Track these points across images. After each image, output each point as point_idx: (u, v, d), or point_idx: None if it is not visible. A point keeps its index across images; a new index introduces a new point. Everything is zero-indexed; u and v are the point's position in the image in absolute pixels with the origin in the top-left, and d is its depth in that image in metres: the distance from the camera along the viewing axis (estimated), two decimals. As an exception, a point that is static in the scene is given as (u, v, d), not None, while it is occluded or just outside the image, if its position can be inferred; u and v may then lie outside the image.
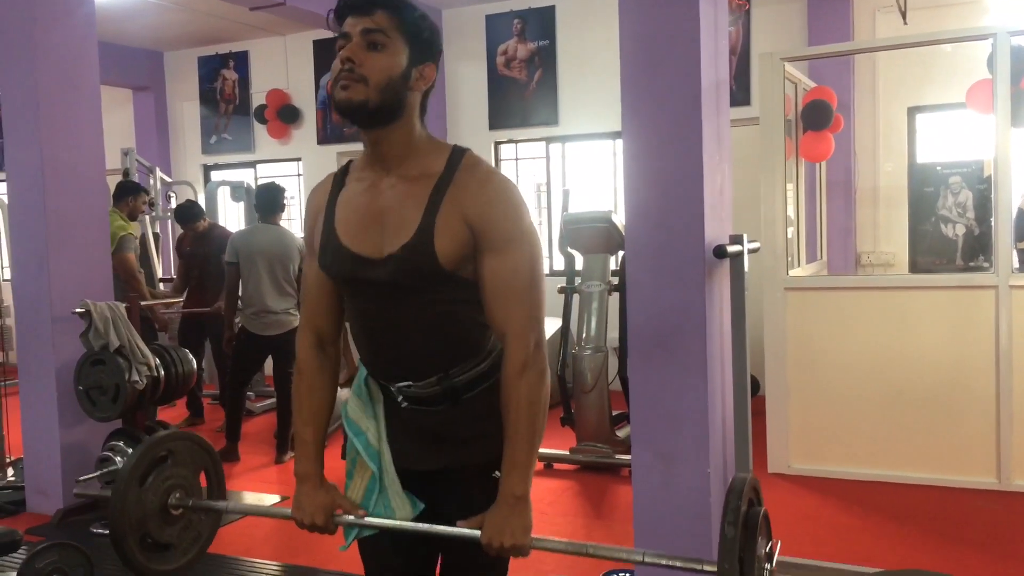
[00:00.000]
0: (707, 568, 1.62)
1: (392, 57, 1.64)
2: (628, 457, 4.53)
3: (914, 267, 4.91)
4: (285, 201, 5.57)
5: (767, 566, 1.67)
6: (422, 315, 1.70)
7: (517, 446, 1.67)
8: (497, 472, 1.71)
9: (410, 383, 1.75)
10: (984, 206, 4.69)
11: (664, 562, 1.69)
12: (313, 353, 1.85)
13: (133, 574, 1.97)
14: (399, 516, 1.77)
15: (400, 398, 1.78)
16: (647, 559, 1.70)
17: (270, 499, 4.67)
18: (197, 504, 2.03)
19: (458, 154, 1.71)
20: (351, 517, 1.78)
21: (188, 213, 6.38)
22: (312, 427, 1.85)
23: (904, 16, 5.82)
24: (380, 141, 1.69)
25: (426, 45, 1.69)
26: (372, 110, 1.62)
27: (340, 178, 1.80)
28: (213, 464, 2.12)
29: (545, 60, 7.51)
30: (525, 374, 1.66)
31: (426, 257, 1.64)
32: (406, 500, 1.78)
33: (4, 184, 4.98)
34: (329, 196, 1.78)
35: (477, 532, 1.67)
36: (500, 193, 1.67)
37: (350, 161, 1.83)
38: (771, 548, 1.72)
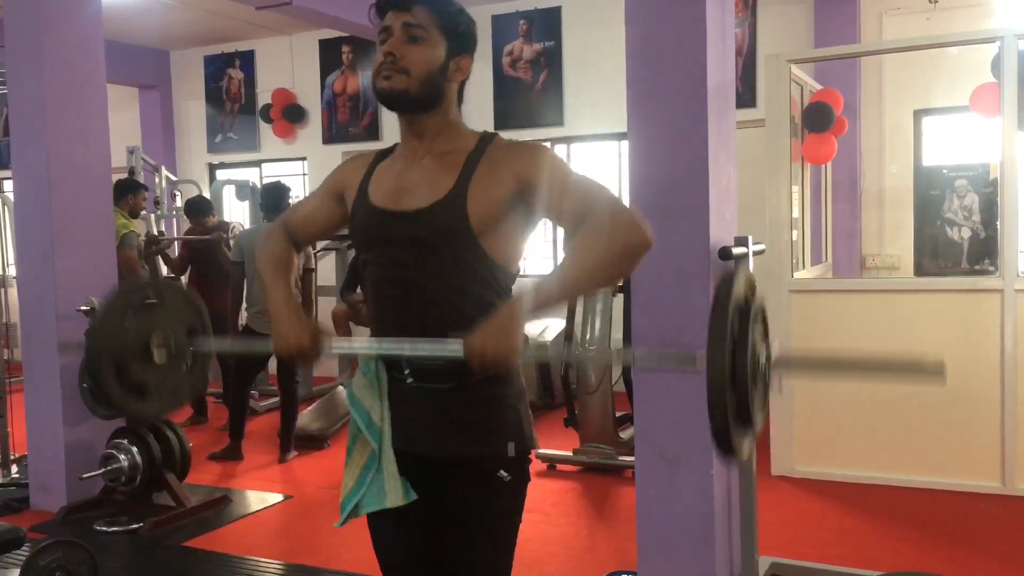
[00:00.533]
0: (700, 360, 1.49)
1: (431, 50, 1.72)
2: (631, 459, 4.53)
3: (919, 270, 4.91)
4: (290, 200, 5.57)
5: (763, 355, 1.57)
6: (440, 281, 1.71)
7: (559, 266, 1.62)
8: (503, 472, 1.71)
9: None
10: (990, 209, 4.68)
11: (656, 359, 1.61)
12: (282, 230, 1.95)
13: (105, 402, 1.89)
14: (390, 501, 1.76)
15: (407, 372, 1.76)
16: (638, 358, 1.64)
17: (273, 498, 4.67)
18: (178, 343, 1.94)
19: (489, 136, 1.80)
20: (332, 342, 1.77)
21: (197, 207, 6.39)
22: (281, 272, 1.88)
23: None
24: (418, 123, 1.76)
25: (463, 38, 1.76)
26: (412, 99, 1.71)
27: (382, 155, 1.88)
28: (201, 321, 2.03)
29: (551, 61, 7.51)
30: (616, 225, 1.59)
31: (456, 215, 1.68)
32: (399, 486, 1.76)
33: (10, 183, 4.98)
34: (368, 166, 1.85)
35: (460, 346, 1.57)
36: (544, 152, 1.74)
37: (395, 144, 1.88)
38: (769, 344, 1.62)
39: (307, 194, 2.00)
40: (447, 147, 1.76)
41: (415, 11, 1.71)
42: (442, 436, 1.76)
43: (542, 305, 1.59)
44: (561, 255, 6.03)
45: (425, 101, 1.72)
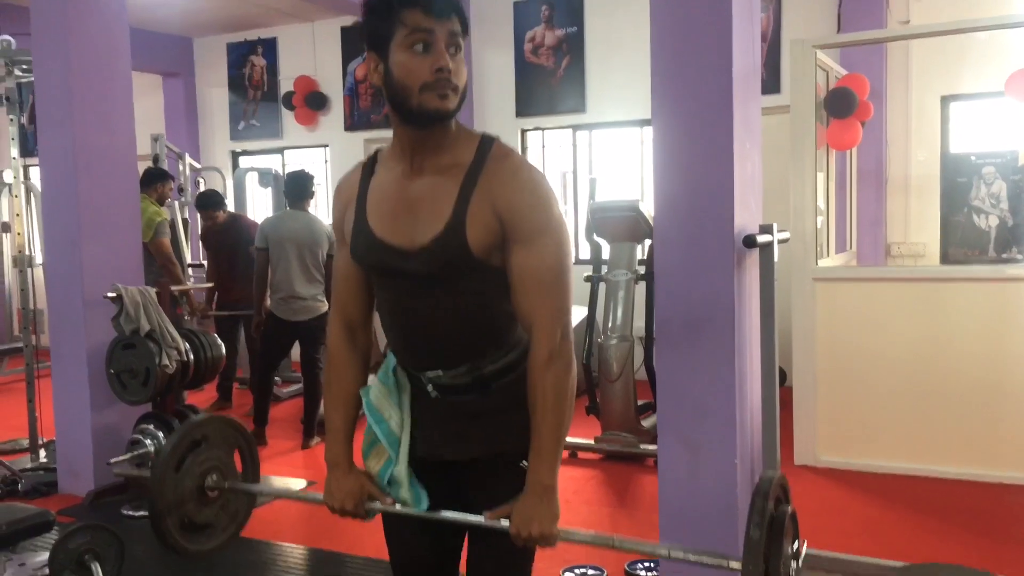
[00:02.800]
0: (733, 565, 1.61)
1: (463, 62, 1.65)
2: (653, 447, 4.52)
3: (945, 258, 4.85)
4: (314, 189, 5.60)
5: (793, 565, 1.65)
6: (452, 304, 1.71)
7: (544, 436, 1.67)
8: (524, 462, 1.71)
9: (440, 372, 1.76)
10: (1018, 196, 4.62)
11: (691, 558, 1.68)
12: (344, 340, 1.87)
13: (175, 555, 2.02)
14: (403, 510, 1.80)
15: (430, 387, 1.79)
16: (672, 554, 1.70)
17: (297, 483, 4.71)
18: (233, 486, 2.08)
19: (487, 143, 1.71)
20: (380, 504, 1.81)
21: (207, 201, 6.42)
22: (342, 413, 1.86)
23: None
24: (428, 135, 1.67)
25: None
26: (452, 114, 1.64)
27: (369, 167, 1.80)
28: (247, 444, 2.16)
29: (573, 47, 7.47)
30: (551, 365, 1.66)
31: (458, 248, 1.65)
32: (414, 496, 1.79)
33: (37, 170, 5.03)
34: (359, 186, 1.79)
35: (505, 523, 1.68)
36: (528, 183, 1.67)
37: (378, 150, 1.82)
38: (798, 547, 1.71)
39: (334, 242, 1.99)
40: (445, 160, 1.69)
41: (453, 20, 1.61)
42: (465, 440, 1.78)
43: (556, 467, 1.70)
44: (585, 243, 6.01)
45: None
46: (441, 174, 1.68)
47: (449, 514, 1.77)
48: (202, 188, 8.07)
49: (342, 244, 1.83)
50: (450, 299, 1.70)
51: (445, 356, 1.74)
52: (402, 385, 1.83)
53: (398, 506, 1.80)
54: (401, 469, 1.79)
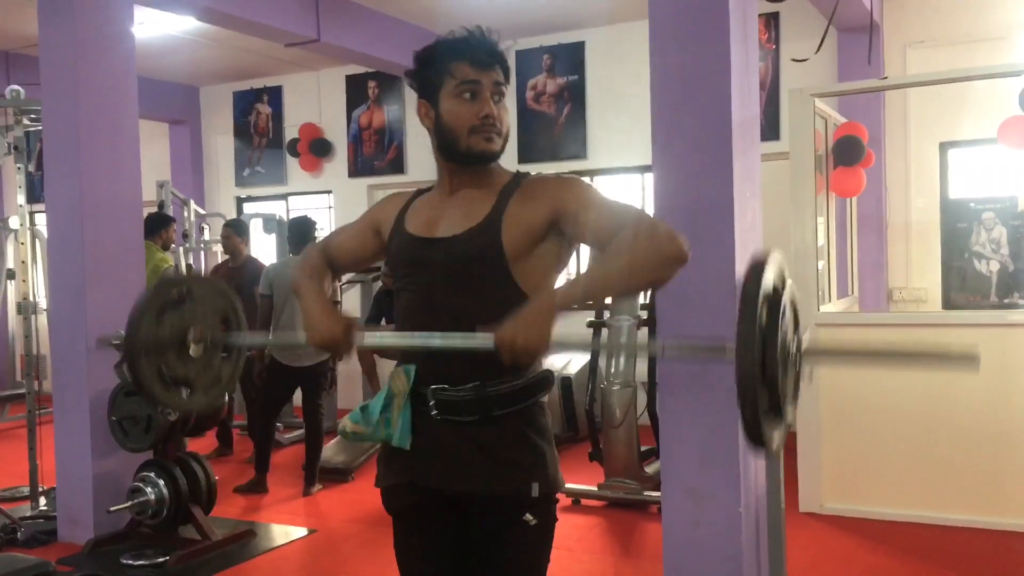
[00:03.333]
0: (729, 351, 1.48)
1: (506, 109, 1.82)
2: (657, 494, 4.49)
3: (948, 303, 4.86)
4: (316, 235, 5.63)
5: (792, 344, 1.55)
6: (471, 309, 1.71)
7: (595, 264, 1.70)
8: (529, 516, 1.70)
9: (446, 386, 1.75)
10: (1019, 242, 4.64)
11: (685, 349, 1.72)
12: (320, 252, 2.00)
13: (149, 400, 1.91)
14: (397, 440, 1.76)
15: (432, 403, 1.76)
16: (667, 348, 1.72)
17: (298, 532, 4.67)
18: (215, 338, 1.98)
19: (524, 173, 1.87)
20: (364, 335, 1.79)
21: (240, 226, 6.40)
22: (314, 278, 1.92)
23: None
24: (471, 173, 1.82)
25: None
26: (497, 156, 1.81)
27: (420, 192, 1.94)
28: (233, 311, 2.06)
29: (574, 95, 7.56)
30: (654, 234, 1.60)
31: (489, 242, 1.71)
32: (403, 426, 1.76)
33: (43, 216, 5.07)
34: (407, 201, 1.91)
35: (491, 339, 1.58)
36: (573, 178, 1.82)
37: (419, 190, 1.94)
38: (799, 328, 1.61)
39: (337, 227, 2.03)
40: (484, 182, 1.81)
41: (497, 70, 1.79)
42: (466, 470, 1.76)
43: (573, 298, 1.61)
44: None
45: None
46: (479, 190, 1.81)
47: (436, 336, 1.69)
48: (207, 235, 8.12)
49: (364, 227, 1.94)
50: (469, 301, 1.72)
51: (454, 366, 1.73)
52: (398, 405, 1.80)
53: (388, 336, 1.80)
54: (403, 401, 1.76)
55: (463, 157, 1.77)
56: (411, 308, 1.80)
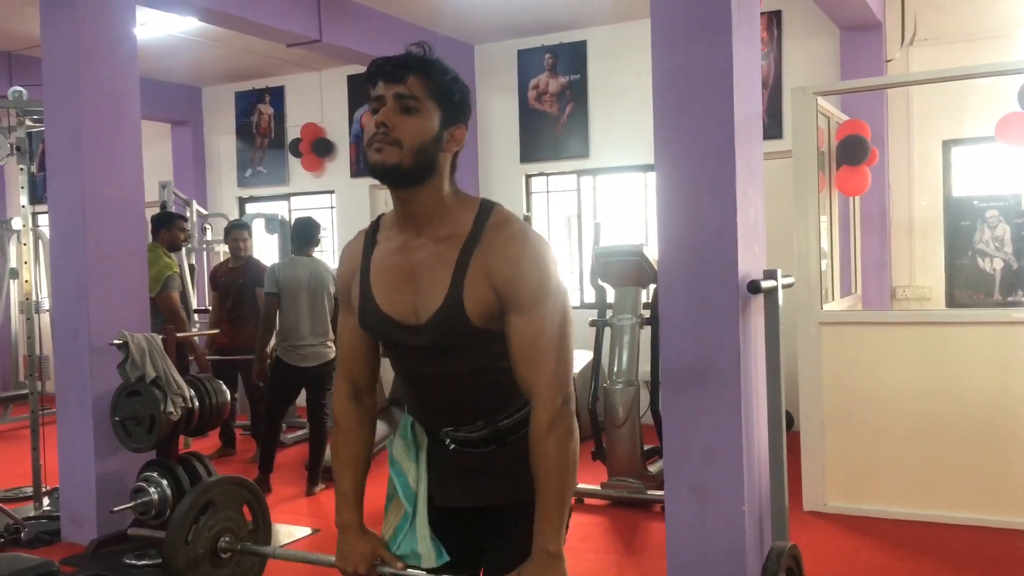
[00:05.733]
0: None
1: (424, 121, 1.67)
2: (660, 493, 4.49)
3: (951, 301, 4.85)
4: (320, 236, 5.65)
5: None
6: (462, 370, 1.75)
7: (548, 503, 1.68)
8: None
9: (456, 428, 1.80)
10: (1023, 239, 4.62)
11: None
12: (350, 404, 1.89)
13: None
14: (424, 564, 1.80)
15: (448, 441, 1.82)
16: None
17: (301, 531, 4.67)
18: (245, 548, 2.09)
19: (486, 210, 1.73)
20: (390, 569, 1.81)
21: (241, 223, 6.39)
22: (351, 477, 1.87)
23: None
24: (411, 200, 1.71)
25: (457, 108, 1.71)
26: (405, 172, 1.66)
27: (371, 236, 1.83)
28: (256, 500, 2.20)
29: (576, 94, 7.56)
30: (552, 431, 1.67)
31: (459, 321, 1.68)
32: (432, 549, 1.80)
33: (45, 217, 5.08)
34: (363, 255, 1.81)
35: None
36: (525, 253, 1.68)
37: (380, 216, 1.87)
38: None
39: (337, 273, 1.99)
40: (443, 230, 1.72)
41: (409, 81, 1.66)
42: (482, 489, 1.81)
43: (562, 533, 1.70)
44: (590, 288, 6.01)
45: (418, 173, 1.67)
46: (439, 243, 1.71)
47: None
48: (209, 235, 8.13)
49: (347, 309, 1.85)
50: (459, 365, 1.74)
51: (460, 416, 1.79)
52: (420, 442, 1.86)
53: (411, 571, 1.80)
54: (419, 522, 1.81)
55: (373, 175, 1.70)
56: (402, 373, 1.84)
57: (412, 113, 1.66)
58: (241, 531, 2.13)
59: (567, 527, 1.72)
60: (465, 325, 1.68)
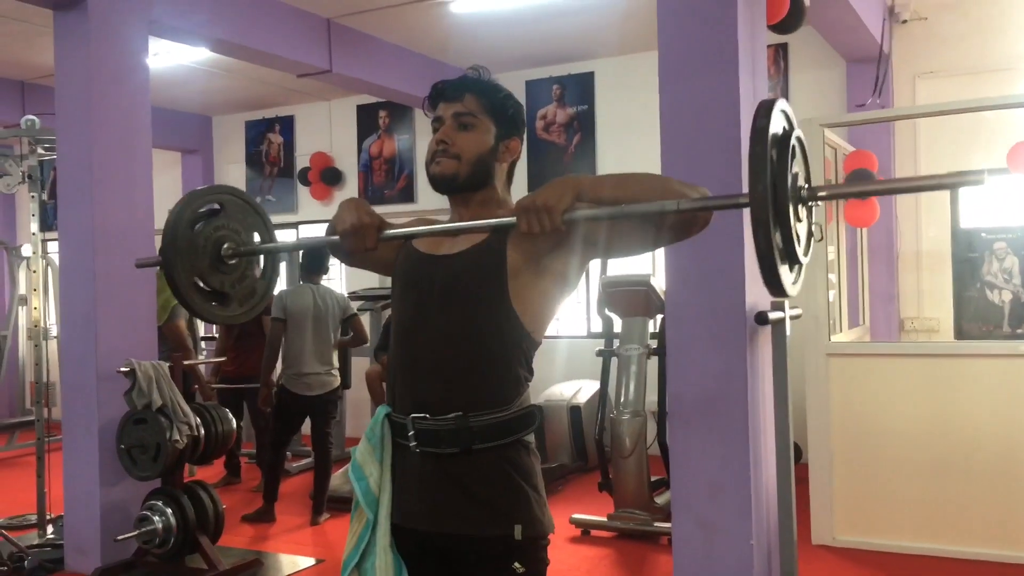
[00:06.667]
0: (741, 201, 1.49)
1: (481, 135, 1.81)
2: (667, 525, 4.45)
3: (960, 334, 4.83)
4: (329, 264, 5.66)
5: (802, 186, 1.53)
6: (464, 330, 1.73)
7: (622, 177, 1.68)
8: (518, 564, 1.68)
9: (427, 415, 1.72)
10: (1031, 272, 4.61)
11: (699, 202, 1.57)
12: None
13: (190, 312, 1.94)
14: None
15: (412, 433, 1.74)
16: (682, 204, 1.58)
17: (305, 561, 4.64)
18: (248, 248, 1.99)
19: None
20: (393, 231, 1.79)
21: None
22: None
23: None
24: (467, 203, 1.83)
25: (511, 122, 1.86)
26: (462, 182, 1.80)
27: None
28: (265, 226, 2.05)
29: (584, 124, 7.60)
30: (670, 179, 1.65)
31: (494, 258, 1.73)
32: (391, 561, 1.74)
33: (55, 244, 5.11)
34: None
35: (513, 220, 1.63)
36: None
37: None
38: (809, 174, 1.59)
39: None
40: (493, 211, 1.82)
41: (466, 100, 1.81)
42: (448, 511, 1.72)
43: (596, 190, 1.63)
44: (597, 317, 6.03)
45: (475, 182, 1.80)
46: (486, 216, 1.80)
47: None
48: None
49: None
50: (463, 323, 1.72)
51: (439, 393, 1.72)
52: (385, 445, 1.80)
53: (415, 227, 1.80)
54: (381, 531, 1.75)
55: (433, 186, 1.82)
56: (402, 326, 1.81)
57: (469, 129, 1.80)
58: (247, 246, 2.00)
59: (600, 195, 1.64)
60: (497, 264, 1.72)
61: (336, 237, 1.79)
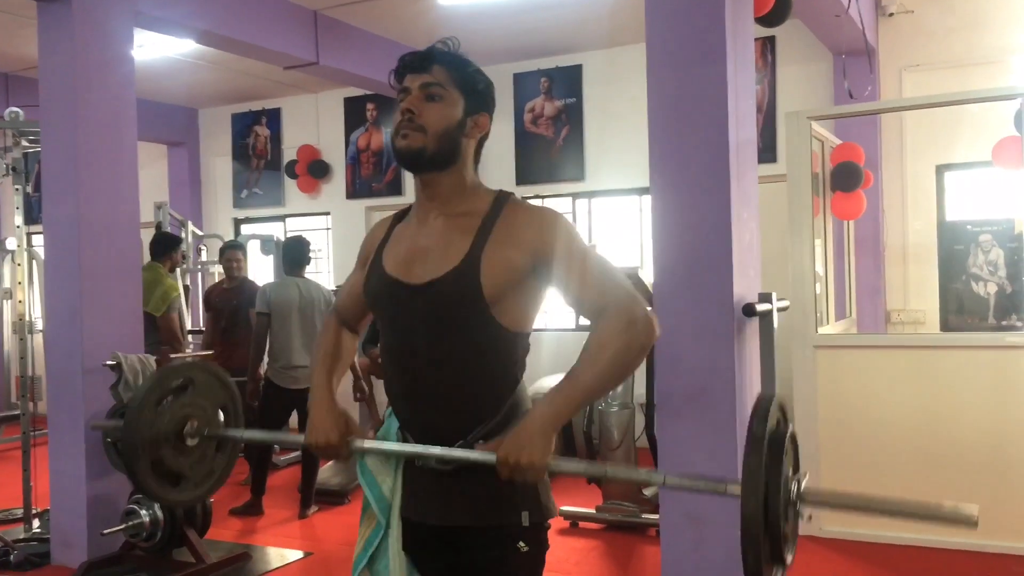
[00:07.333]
0: (731, 490, 1.52)
1: (449, 107, 1.74)
2: (655, 516, 4.47)
3: (945, 326, 4.86)
4: (311, 255, 5.64)
5: (794, 488, 1.56)
6: (454, 352, 1.70)
7: (578, 377, 1.63)
8: (522, 543, 1.69)
9: (438, 440, 1.73)
10: (1016, 264, 4.65)
11: (687, 483, 1.64)
12: (336, 320, 2.01)
13: (143, 495, 1.90)
14: None
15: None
16: (668, 481, 1.62)
17: (293, 554, 4.63)
18: (212, 433, 1.96)
19: (504, 196, 1.79)
20: (361, 442, 1.79)
21: (236, 243, 6.40)
22: (326, 366, 1.94)
23: None
24: (434, 183, 1.77)
25: (480, 96, 1.78)
26: (429, 156, 1.72)
27: (400, 216, 1.90)
28: (232, 401, 2.04)
29: (572, 117, 7.59)
30: (630, 329, 1.62)
31: (470, 285, 1.67)
32: (402, 564, 1.75)
33: (39, 237, 5.07)
34: (387, 231, 1.88)
35: (493, 456, 1.60)
36: (554, 217, 1.74)
37: (411, 205, 1.90)
38: (799, 471, 1.62)
39: (332, 251, 2.00)
40: (462, 208, 1.76)
41: (433, 70, 1.74)
42: (454, 506, 1.74)
43: (567, 414, 1.64)
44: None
45: (442, 158, 1.73)
46: (457, 219, 1.75)
47: (435, 450, 1.69)
48: (204, 256, 8.12)
49: (359, 268, 1.93)
50: (452, 346, 1.70)
51: (448, 418, 1.72)
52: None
53: (384, 444, 1.78)
54: (392, 536, 1.76)
55: (397, 160, 1.77)
56: (392, 352, 1.79)
57: (436, 100, 1.73)
58: (212, 425, 1.97)
59: (568, 415, 1.66)
60: (473, 292, 1.67)
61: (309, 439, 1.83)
